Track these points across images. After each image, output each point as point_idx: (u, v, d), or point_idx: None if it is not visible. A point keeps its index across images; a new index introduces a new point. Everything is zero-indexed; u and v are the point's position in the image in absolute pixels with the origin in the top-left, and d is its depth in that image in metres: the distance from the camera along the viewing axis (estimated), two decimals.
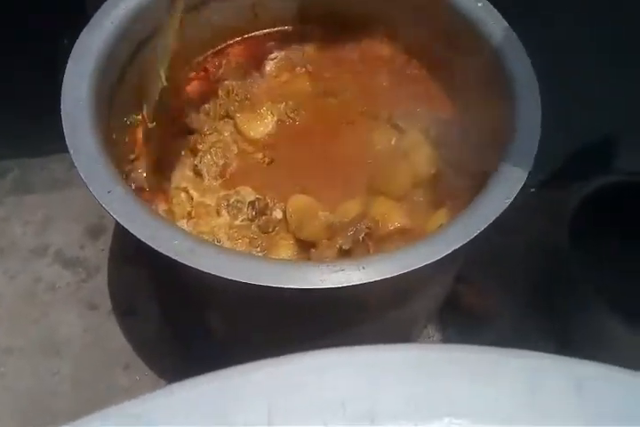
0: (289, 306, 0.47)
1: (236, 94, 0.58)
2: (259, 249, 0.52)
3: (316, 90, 0.61)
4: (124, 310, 0.73)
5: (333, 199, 0.54)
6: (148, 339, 0.70)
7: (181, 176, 0.56)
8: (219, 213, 0.54)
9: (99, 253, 0.77)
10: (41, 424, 0.64)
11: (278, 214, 0.54)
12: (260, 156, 0.57)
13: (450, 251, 0.42)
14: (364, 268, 0.41)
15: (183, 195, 0.55)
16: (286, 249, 0.52)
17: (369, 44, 0.63)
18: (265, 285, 0.40)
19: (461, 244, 0.42)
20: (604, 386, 0.22)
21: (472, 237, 0.43)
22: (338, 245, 0.50)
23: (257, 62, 0.62)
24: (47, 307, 0.73)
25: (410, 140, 0.57)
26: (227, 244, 0.52)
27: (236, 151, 0.57)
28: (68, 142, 0.44)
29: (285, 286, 0.40)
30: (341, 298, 0.45)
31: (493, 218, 0.44)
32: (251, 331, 0.53)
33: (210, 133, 0.58)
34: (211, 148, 0.56)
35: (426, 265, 0.41)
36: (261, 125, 0.58)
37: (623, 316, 0.65)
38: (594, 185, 0.71)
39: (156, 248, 0.40)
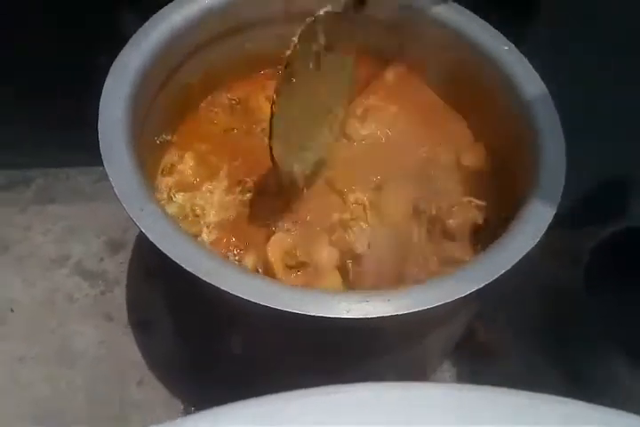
0: (308, 333, 0.47)
1: None
2: None
3: None
4: (141, 324, 0.73)
5: None
6: (164, 355, 0.70)
7: None
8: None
9: (118, 266, 0.77)
10: None
11: None
12: None
13: (477, 287, 0.42)
14: (389, 300, 0.41)
15: None
16: None
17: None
18: (290, 311, 0.40)
19: (488, 281, 0.43)
20: None
21: (499, 275, 0.43)
22: None
23: None
24: (64, 317, 0.73)
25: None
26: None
27: None
28: (104, 159, 0.45)
29: (310, 314, 0.40)
30: (362, 329, 0.45)
31: (521, 256, 0.44)
32: (268, 354, 0.53)
33: None
34: None
35: (452, 301, 0.41)
36: None
37: (634, 362, 0.64)
38: (611, 230, 0.71)
39: (185, 267, 0.41)
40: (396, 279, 0.51)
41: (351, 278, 0.51)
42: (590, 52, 0.66)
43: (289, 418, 0.23)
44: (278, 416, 0.23)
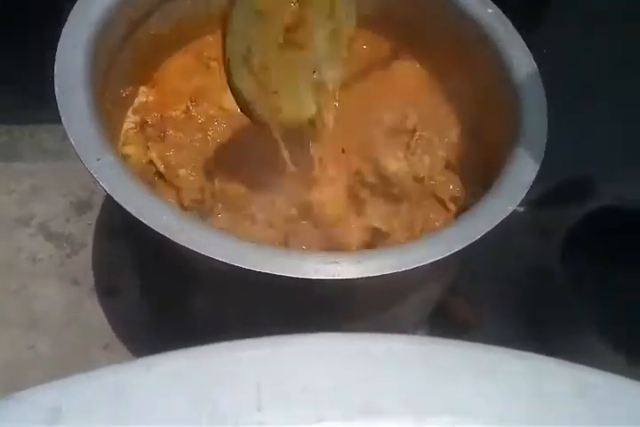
0: (275, 293, 0.45)
1: None
2: None
3: None
4: (108, 288, 0.70)
5: None
6: (130, 319, 0.68)
7: None
8: None
9: (85, 228, 0.74)
10: None
11: None
12: None
13: (451, 252, 0.41)
14: (359, 262, 0.39)
15: None
16: None
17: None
18: (255, 270, 0.38)
19: (462, 246, 0.41)
20: (607, 393, 0.21)
21: (474, 240, 0.42)
22: None
23: None
24: (27, 279, 0.70)
25: None
26: None
27: None
28: (59, 106, 0.42)
29: (275, 273, 0.38)
30: (332, 291, 0.43)
31: (497, 222, 0.43)
32: (236, 315, 0.51)
33: None
34: None
35: (424, 265, 0.40)
36: None
37: (610, 339, 0.64)
38: (590, 208, 0.70)
39: (143, 221, 0.38)
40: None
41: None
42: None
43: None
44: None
